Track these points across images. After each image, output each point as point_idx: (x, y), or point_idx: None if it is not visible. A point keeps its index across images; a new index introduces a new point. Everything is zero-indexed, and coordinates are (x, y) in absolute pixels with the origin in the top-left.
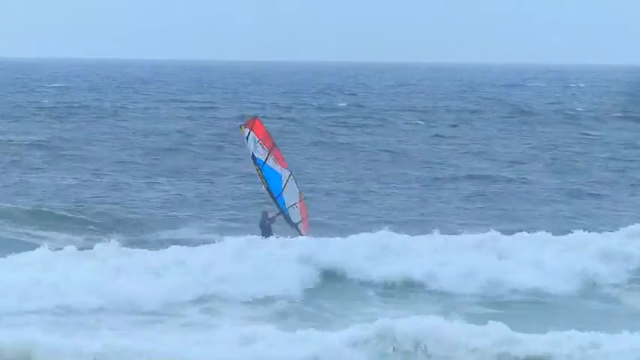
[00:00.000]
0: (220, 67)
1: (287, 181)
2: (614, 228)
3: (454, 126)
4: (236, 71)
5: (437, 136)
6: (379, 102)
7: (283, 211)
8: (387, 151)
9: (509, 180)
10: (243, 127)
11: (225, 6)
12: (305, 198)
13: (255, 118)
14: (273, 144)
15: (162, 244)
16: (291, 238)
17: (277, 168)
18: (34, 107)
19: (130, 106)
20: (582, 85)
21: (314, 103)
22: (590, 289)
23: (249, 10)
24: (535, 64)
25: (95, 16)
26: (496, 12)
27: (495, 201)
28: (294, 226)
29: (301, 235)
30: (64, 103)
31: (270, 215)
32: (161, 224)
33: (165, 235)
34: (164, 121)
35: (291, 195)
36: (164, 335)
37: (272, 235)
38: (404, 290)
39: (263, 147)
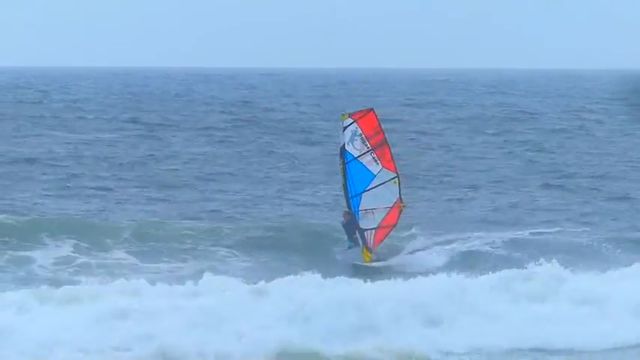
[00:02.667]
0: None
1: (383, 183)
2: None
3: None
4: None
5: None
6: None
7: (353, 213)
8: None
9: None
10: (346, 115)
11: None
12: (404, 206)
13: (370, 110)
14: (384, 141)
15: None
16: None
17: (374, 167)
18: None
19: None
20: None
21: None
22: None
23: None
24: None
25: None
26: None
27: None
28: (360, 231)
29: (364, 243)
30: None
31: (344, 214)
32: None
33: None
34: None
35: (376, 199)
36: None
37: (355, 235)
38: None
39: (364, 143)
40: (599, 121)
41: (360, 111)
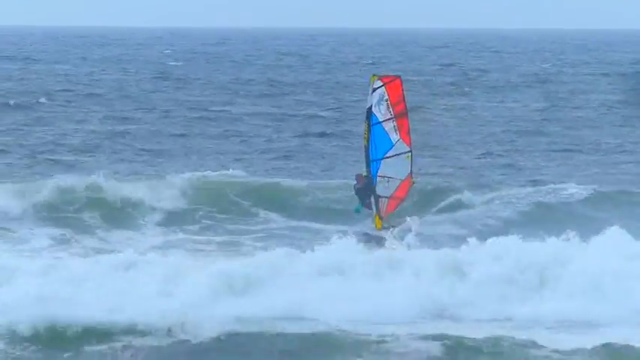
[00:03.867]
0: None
1: (398, 154)
2: None
3: None
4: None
5: None
6: None
7: (371, 177)
8: None
9: None
10: (376, 77)
11: None
12: (414, 182)
13: (397, 77)
14: (405, 113)
15: None
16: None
17: (393, 136)
18: None
19: None
20: None
21: None
22: None
23: None
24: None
25: None
26: None
27: None
28: (375, 197)
29: (377, 211)
30: None
31: (358, 178)
32: None
33: None
34: None
35: (392, 168)
36: None
37: (369, 200)
38: None
39: (389, 109)
40: None
41: (388, 76)
